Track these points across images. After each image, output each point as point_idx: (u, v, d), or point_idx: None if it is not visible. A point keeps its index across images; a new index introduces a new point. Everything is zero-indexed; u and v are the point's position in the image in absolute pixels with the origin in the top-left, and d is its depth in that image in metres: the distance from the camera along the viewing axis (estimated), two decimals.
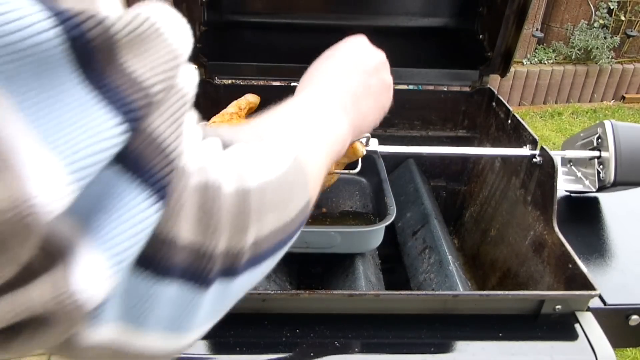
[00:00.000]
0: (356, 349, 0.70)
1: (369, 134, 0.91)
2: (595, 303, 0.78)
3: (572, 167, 1.12)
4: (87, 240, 0.25)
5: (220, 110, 0.97)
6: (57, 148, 0.22)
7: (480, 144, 1.28)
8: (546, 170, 0.91)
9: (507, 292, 0.76)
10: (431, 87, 1.70)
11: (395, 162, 1.35)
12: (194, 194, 0.30)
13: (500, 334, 0.73)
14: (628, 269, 0.91)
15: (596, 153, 1.01)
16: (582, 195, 1.11)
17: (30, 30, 0.21)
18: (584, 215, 1.09)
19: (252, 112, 0.99)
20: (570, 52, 3.69)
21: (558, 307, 0.75)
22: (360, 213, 1.11)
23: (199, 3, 1.13)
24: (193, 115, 0.32)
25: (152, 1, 0.29)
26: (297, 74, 1.39)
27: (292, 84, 1.76)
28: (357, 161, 0.90)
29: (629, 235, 1.01)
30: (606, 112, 3.76)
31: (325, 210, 1.12)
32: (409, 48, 1.31)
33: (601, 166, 1.01)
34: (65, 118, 0.23)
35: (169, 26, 0.28)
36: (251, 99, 0.98)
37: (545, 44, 3.87)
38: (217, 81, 1.22)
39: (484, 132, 1.26)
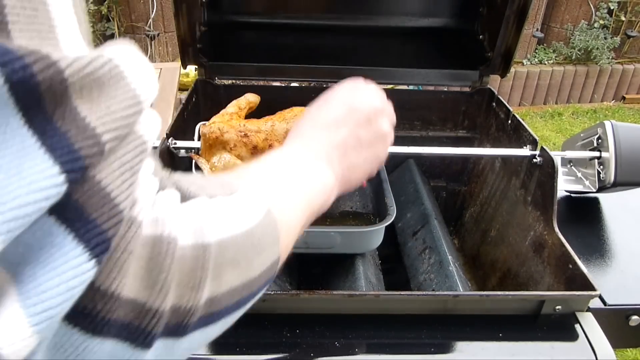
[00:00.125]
0: (356, 349, 0.70)
1: None
2: (595, 303, 0.78)
3: (572, 167, 1.11)
4: (12, 292, 0.24)
5: (220, 110, 0.97)
6: None
7: (481, 144, 1.28)
8: (546, 170, 0.91)
9: (507, 293, 0.76)
10: (431, 87, 1.70)
11: (395, 162, 1.35)
12: (144, 247, 0.28)
13: (500, 334, 0.73)
14: (628, 269, 0.91)
15: (596, 153, 1.01)
16: (582, 195, 1.11)
17: None
18: (584, 216, 1.09)
19: (252, 111, 0.99)
20: (571, 52, 3.69)
21: (558, 307, 0.75)
22: (360, 213, 1.11)
23: (199, 3, 1.12)
24: (150, 163, 0.31)
25: (121, 41, 0.28)
26: (297, 74, 1.39)
27: (292, 84, 1.76)
28: None
29: (629, 236, 1.01)
30: (606, 112, 3.76)
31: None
32: (409, 48, 1.31)
33: (601, 166, 1.01)
34: (0, 163, 0.21)
35: (133, 70, 0.27)
36: (251, 98, 0.98)
37: (545, 44, 3.87)
38: (217, 81, 1.22)
39: (484, 132, 1.26)
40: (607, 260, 0.94)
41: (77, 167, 0.23)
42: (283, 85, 1.82)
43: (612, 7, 3.68)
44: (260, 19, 1.27)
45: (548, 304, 0.74)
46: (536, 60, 3.76)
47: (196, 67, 1.20)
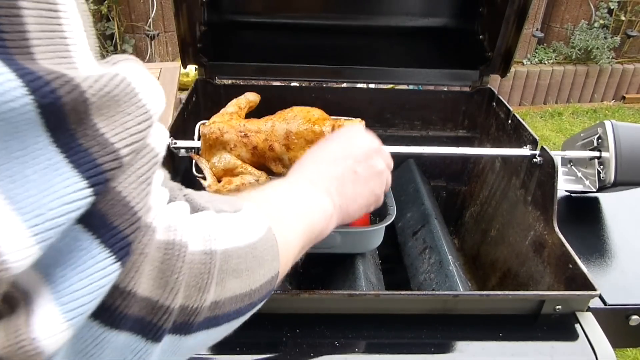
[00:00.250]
0: (356, 349, 0.70)
1: None
2: (595, 303, 0.78)
3: (573, 167, 1.11)
4: (46, 292, 0.26)
5: (220, 110, 0.97)
6: (20, 209, 0.23)
7: (481, 144, 1.28)
8: (546, 170, 0.91)
9: (507, 292, 0.76)
10: (431, 87, 1.70)
11: (395, 162, 1.33)
12: (158, 250, 0.31)
13: (501, 334, 0.73)
14: (628, 269, 0.91)
15: (596, 153, 1.01)
16: (582, 195, 1.11)
17: (2, 96, 0.22)
18: (584, 216, 1.09)
19: (252, 110, 0.99)
20: (571, 52, 3.69)
21: (558, 307, 0.75)
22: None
23: (199, 3, 1.12)
24: (161, 174, 0.34)
25: (127, 58, 0.30)
26: (297, 74, 1.39)
27: (292, 84, 1.76)
28: None
29: (629, 235, 1.01)
30: (606, 112, 3.76)
31: None
32: (409, 48, 1.31)
33: (601, 166, 1.01)
34: (31, 179, 0.24)
35: (143, 86, 0.28)
36: (251, 97, 0.98)
37: (545, 44, 3.87)
38: (217, 81, 1.22)
39: (484, 132, 1.26)
40: (607, 260, 0.94)
41: (101, 180, 0.26)
42: (283, 85, 1.82)
43: (612, 7, 3.68)
44: (260, 19, 1.27)
45: (548, 303, 0.74)
46: (536, 60, 3.76)
47: (196, 66, 1.19)
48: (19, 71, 0.22)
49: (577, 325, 0.74)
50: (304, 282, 1.01)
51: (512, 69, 1.67)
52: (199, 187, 0.89)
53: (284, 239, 0.44)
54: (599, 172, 1.01)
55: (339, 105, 1.21)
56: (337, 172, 0.58)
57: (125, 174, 0.28)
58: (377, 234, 0.90)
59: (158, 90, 0.30)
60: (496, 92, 1.21)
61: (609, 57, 3.71)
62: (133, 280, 0.30)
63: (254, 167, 0.90)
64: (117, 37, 3.18)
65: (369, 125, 0.99)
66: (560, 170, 1.06)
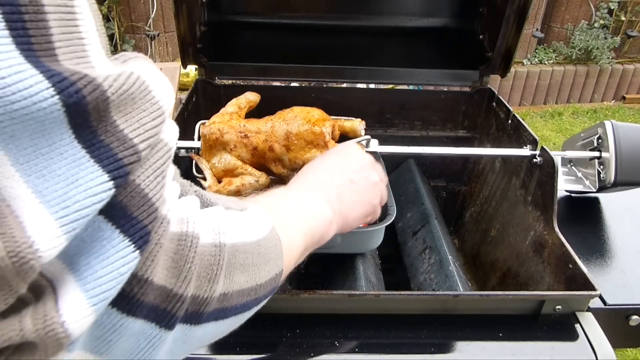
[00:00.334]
0: (356, 349, 0.70)
1: (369, 137, 0.91)
2: (595, 303, 0.78)
3: (573, 167, 1.11)
4: (71, 279, 0.28)
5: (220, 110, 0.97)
6: (48, 202, 0.25)
7: (481, 144, 1.28)
8: (546, 170, 0.91)
9: (507, 292, 0.76)
10: (431, 87, 1.70)
11: (395, 162, 1.35)
12: (172, 241, 0.33)
13: (501, 334, 0.73)
14: (628, 269, 0.91)
15: (596, 153, 1.01)
16: (582, 195, 1.11)
17: (30, 97, 0.23)
18: (584, 216, 1.09)
19: (252, 110, 0.99)
20: (571, 52, 3.69)
21: (558, 307, 0.75)
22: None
23: (199, 3, 1.12)
24: (173, 169, 0.35)
25: (137, 56, 0.32)
26: (297, 74, 1.39)
27: (292, 84, 1.76)
28: None
29: (629, 235, 1.01)
30: (606, 112, 3.76)
31: None
32: (409, 48, 1.31)
33: (601, 166, 1.01)
34: (58, 174, 0.25)
35: (156, 84, 0.30)
36: (251, 97, 0.98)
37: (545, 44, 3.87)
38: (217, 81, 1.22)
39: (484, 132, 1.26)
40: (607, 260, 0.94)
41: (121, 173, 0.27)
42: (283, 85, 1.82)
43: (612, 7, 3.68)
44: (260, 19, 1.27)
45: (548, 303, 0.74)
46: (536, 60, 3.76)
47: (196, 67, 1.19)
48: (46, 73, 0.23)
49: (577, 325, 0.74)
50: (304, 282, 1.01)
51: (512, 69, 1.67)
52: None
53: (287, 240, 0.45)
54: (599, 172, 1.01)
55: (339, 105, 1.21)
56: (336, 182, 0.61)
57: (142, 168, 0.29)
58: (377, 234, 0.90)
59: (168, 86, 0.32)
60: (496, 92, 1.21)
61: (609, 57, 3.71)
62: (150, 269, 0.31)
63: (254, 168, 0.90)
64: (117, 37, 3.18)
65: (369, 125, 0.99)
66: (560, 170, 1.06)
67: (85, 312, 0.28)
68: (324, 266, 1.01)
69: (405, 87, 1.60)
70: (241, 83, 1.31)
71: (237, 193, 0.89)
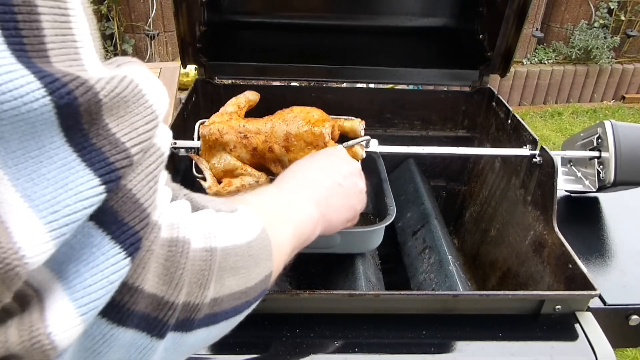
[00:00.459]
0: (356, 349, 0.70)
1: (368, 137, 0.91)
2: (595, 303, 0.78)
3: (572, 167, 1.11)
4: (59, 288, 0.27)
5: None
6: (37, 207, 0.24)
7: (480, 144, 1.28)
8: (546, 170, 0.91)
9: (507, 292, 0.76)
10: (431, 87, 1.70)
11: (395, 162, 1.35)
12: (163, 247, 0.32)
13: (500, 334, 0.73)
14: (628, 269, 0.91)
15: (596, 153, 1.01)
16: (582, 195, 1.11)
17: (21, 98, 0.23)
18: (584, 215, 1.09)
19: (252, 108, 0.99)
20: (570, 52, 3.69)
21: (558, 307, 0.75)
22: (360, 213, 1.11)
23: (199, 3, 1.12)
24: (165, 174, 0.35)
25: (131, 61, 0.31)
26: (297, 74, 1.39)
27: (292, 84, 1.76)
28: None
29: (629, 235, 1.01)
30: (606, 112, 3.76)
31: None
32: (409, 48, 1.31)
33: (601, 166, 1.01)
34: (47, 178, 0.25)
35: (149, 88, 0.30)
36: (250, 96, 0.98)
37: (545, 44, 3.87)
38: (217, 81, 1.22)
39: (484, 132, 1.26)
40: (607, 260, 0.94)
41: (113, 177, 0.27)
42: (283, 85, 1.82)
43: (612, 7, 3.68)
44: (260, 19, 1.27)
45: (548, 303, 0.74)
46: (536, 59, 3.76)
47: (196, 66, 1.19)
48: (37, 73, 0.23)
49: (577, 325, 0.74)
50: (304, 282, 1.01)
51: (512, 69, 1.67)
52: (198, 187, 0.89)
53: (276, 240, 0.45)
54: (598, 172, 1.01)
55: (339, 105, 1.21)
56: (326, 183, 0.62)
57: (135, 172, 0.29)
58: (377, 234, 0.90)
59: (162, 91, 0.31)
60: (496, 92, 1.21)
61: (608, 57, 3.71)
62: (140, 277, 0.30)
63: (253, 169, 0.90)
64: (117, 37, 3.18)
65: (369, 125, 0.99)
66: (560, 170, 1.06)
67: (74, 323, 0.27)
68: (324, 266, 1.01)
69: (405, 87, 1.60)
70: (241, 83, 1.31)
71: (237, 194, 0.89)
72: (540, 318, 0.75)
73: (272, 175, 0.92)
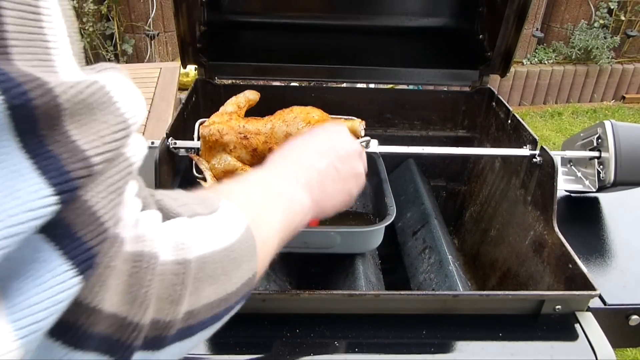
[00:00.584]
0: (356, 349, 0.70)
1: (368, 138, 0.91)
2: (595, 303, 0.78)
3: (572, 167, 1.11)
4: (0, 306, 0.24)
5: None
6: None
7: (480, 144, 1.28)
8: (546, 170, 0.91)
9: (507, 292, 0.76)
10: (431, 87, 1.70)
11: (395, 162, 1.35)
12: (125, 263, 0.29)
13: (500, 334, 0.73)
14: (628, 269, 0.91)
15: (596, 153, 1.01)
16: (582, 195, 1.11)
17: None
18: (584, 215, 1.09)
19: (251, 108, 0.99)
20: (570, 52, 3.69)
21: (558, 307, 0.75)
22: (360, 213, 1.11)
23: (199, 3, 1.12)
24: (134, 185, 0.32)
25: (113, 67, 0.29)
26: (297, 74, 1.39)
27: (292, 84, 1.76)
28: None
29: (629, 235, 1.01)
30: (606, 112, 3.76)
31: None
32: (409, 48, 1.31)
33: (601, 166, 1.01)
34: None
35: (123, 96, 0.28)
36: (250, 96, 0.98)
37: (545, 44, 3.87)
38: (217, 81, 1.22)
39: (484, 132, 1.26)
40: (607, 260, 0.94)
41: (68, 188, 0.24)
42: (283, 85, 1.82)
43: (612, 7, 3.68)
44: (260, 19, 1.27)
45: (548, 303, 0.74)
46: (536, 60, 3.76)
47: (196, 66, 1.19)
48: None
49: (577, 325, 0.74)
50: (304, 282, 1.01)
51: (512, 69, 1.67)
52: (198, 188, 0.89)
53: (262, 238, 0.42)
54: (598, 172, 1.01)
55: (339, 105, 1.21)
56: (321, 166, 0.57)
57: (94, 183, 0.26)
58: (377, 234, 0.90)
59: (139, 100, 0.29)
60: (496, 92, 1.21)
61: (608, 57, 3.71)
62: (98, 296, 0.28)
63: (254, 169, 0.90)
64: (117, 37, 3.18)
65: (369, 125, 0.99)
66: (560, 170, 1.06)
67: (9, 347, 0.24)
68: (324, 266, 1.01)
69: (405, 87, 1.60)
70: (241, 83, 1.31)
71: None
72: (540, 318, 0.75)
73: None
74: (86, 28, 3.05)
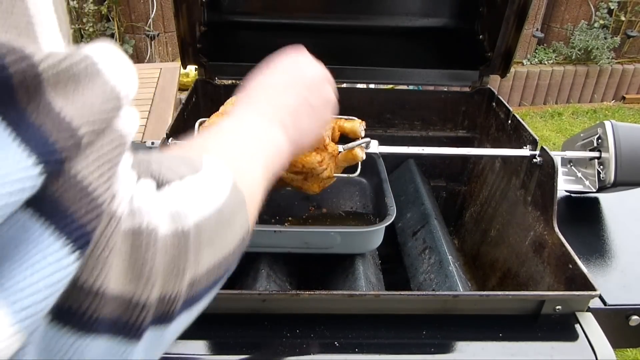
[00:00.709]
0: (356, 349, 0.70)
1: (368, 139, 0.91)
2: (595, 303, 0.78)
3: (573, 167, 1.11)
4: None
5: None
6: None
7: (481, 144, 1.28)
8: (546, 170, 0.91)
9: (507, 293, 0.76)
10: (431, 87, 1.70)
11: (395, 163, 1.35)
12: (125, 240, 0.28)
13: (501, 334, 0.73)
14: (628, 269, 0.91)
15: (596, 153, 1.01)
16: (582, 195, 1.11)
17: None
18: (584, 216, 1.09)
19: None
20: (571, 52, 3.69)
21: (558, 307, 0.75)
22: (361, 213, 1.11)
23: (199, 3, 1.13)
24: (129, 158, 0.31)
25: (101, 40, 0.28)
26: None
27: None
28: (356, 165, 0.90)
29: (629, 235, 1.01)
30: (606, 112, 3.76)
31: (325, 211, 1.12)
32: (409, 48, 1.31)
33: (601, 166, 1.01)
34: None
35: (112, 67, 0.27)
36: None
37: (545, 44, 3.87)
38: (217, 81, 1.22)
39: (484, 132, 1.26)
40: (607, 260, 0.94)
41: (53, 159, 0.23)
42: None
43: (612, 7, 3.68)
44: (260, 19, 1.27)
45: (548, 304, 0.74)
46: (536, 60, 3.76)
47: (196, 67, 1.19)
48: None
49: (577, 326, 0.74)
50: (304, 282, 1.01)
51: (512, 69, 1.67)
52: None
53: (248, 190, 0.40)
54: (598, 172, 1.01)
55: (339, 105, 1.21)
56: (291, 103, 0.53)
57: (83, 156, 0.25)
58: (377, 234, 0.90)
59: (130, 72, 0.28)
60: (496, 93, 1.21)
61: (609, 58, 3.71)
62: (100, 278, 0.27)
63: None
64: (117, 37, 3.18)
65: (369, 125, 0.99)
66: (560, 170, 1.06)
67: (7, 333, 0.23)
68: (324, 266, 1.01)
69: (405, 87, 1.60)
70: (241, 83, 1.31)
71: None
72: (540, 318, 0.75)
73: None
74: (86, 28, 3.05)
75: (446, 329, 0.73)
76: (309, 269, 1.03)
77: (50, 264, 0.24)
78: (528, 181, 0.98)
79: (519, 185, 1.02)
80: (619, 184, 0.98)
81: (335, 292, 0.75)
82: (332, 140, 0.89)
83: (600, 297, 0.81)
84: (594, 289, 0.73)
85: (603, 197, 1.11)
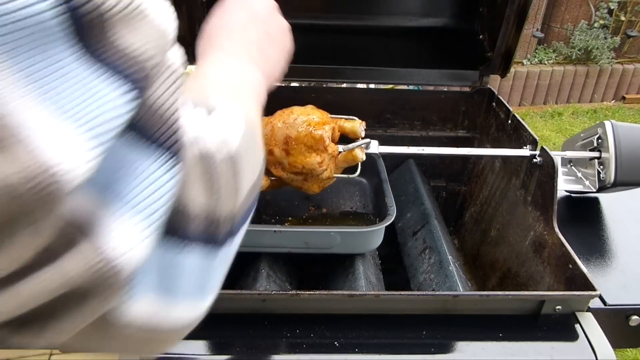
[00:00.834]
0: (356, 349, 0.70)
1: (368, 139, 0.91)
2: (595, 303, 0.78)
3: (573, 167, 1.11)
4: (113, 208, 0.26)
5: None
6: (71, 118, 0.23)
7: (481, 144, 1.28)
8: (546, 170, 0.91)
9: (507, 293, 0.76)
10: (431, 87, 1.70)
11: (395, 163, 1.35)
12: (197, 163, 0.32)
13: (501, 335, 0.73)
14: (628, 269, 0.91)
15: (596, 153, 1.01)
16: (582, 195, 1.11)
17: (31, 7, 0.21)
18: (584, 216, 1.09)
19: None
20: (571, 52, 3.69)
21: (558, 307, 0.75)
22: (361, 213, 1.11)
23: (199, 3, 1.12)
24: (182, 90, 0.33)
25: None
26: (297, 74, 1.39)
27: (292, 84, 1.76)
28: (356, 165, 0.90)
29: (629, 235, 1.01)
30: (606, 112, 3.76)
31: (325, 211, 1.12)
32: (409, 48, 1.31)
33: (601, 166, 1.01)
34: (74, 89, 0.23)
35: (155, 8, 0.28)
36: None
37: (545, 44, 3.87)
38: None
39: (484, 132, 1.26)
40: (607, 260, 0.94)
41: (137, 87, 0.26)
42: (283, 85, 1.81)
43: (612, 7, 3.68)
44: None
45: (548, 304, 0.74)
46: (536, 60, 3.76)
47: (196, 67, 1.19)
48: None
49: (577, 326, 0.74)
50: (304, 282, 1.01)
51: (512, 69, 1.67)
52: None
53: (253, 120, 0.43)
54: (599, 172, 1.01)
55: (339, 106, 1.21)
56: (254, 38, 0.55)
57: (154, 86, 0.28)
58: (377, 234, 0.90)
59: (170, 12, 0.30)
60: (496, 93, 1.21)
61: (609, 57, 3.71)
62: (186, 195, 0.30)
63: None
64: None
65: (369, 125, 0.99)
66: (560, 170, 1.06)
67: (139, 237, 0.26)
68: (324, 266, 1.02)
69: (405, 87, 1.60)
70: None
71: None
72: (540, 318, 0.75)
73: (272, 176, 0.92)
74: None
75: (446, 329, 0.73)
76: (309, 269, 1.03)
77: (161, 175, 0.28)
78: (528, 181, 0.98)
79: (519, 185, 1.02)
80: (619, 184, 0.98)
81: (335, 292, 0.75)
82: (332, 140, 0.89)
83: (600, 297, 0.81)
84: (594, 289, 0.73)
85: (603, 197, 1.12)
